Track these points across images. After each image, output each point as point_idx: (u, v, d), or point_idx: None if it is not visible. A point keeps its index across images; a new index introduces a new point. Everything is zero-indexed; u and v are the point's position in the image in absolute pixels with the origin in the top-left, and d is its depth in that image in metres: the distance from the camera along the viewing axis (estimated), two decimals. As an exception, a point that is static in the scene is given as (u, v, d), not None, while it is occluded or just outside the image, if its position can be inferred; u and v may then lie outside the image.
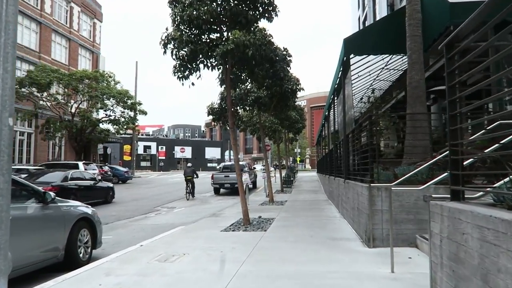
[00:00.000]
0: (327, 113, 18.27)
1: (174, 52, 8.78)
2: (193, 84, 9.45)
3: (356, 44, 8.95)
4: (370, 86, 13.93)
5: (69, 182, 14.98)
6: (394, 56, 13.82)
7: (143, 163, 75.65)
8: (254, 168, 27.13)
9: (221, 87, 14.61)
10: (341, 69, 10.01)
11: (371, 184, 6.13)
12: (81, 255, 5.74)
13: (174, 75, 9.36)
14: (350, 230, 7.89)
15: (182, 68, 9.18)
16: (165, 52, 8.84)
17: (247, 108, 15.15)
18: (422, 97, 7.47)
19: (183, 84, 9.43)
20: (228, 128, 15.84)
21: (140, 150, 75.14)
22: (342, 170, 11.01)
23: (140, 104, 29.18)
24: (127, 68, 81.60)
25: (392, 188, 5.00)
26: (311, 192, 20.46)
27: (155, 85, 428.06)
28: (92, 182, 16.89)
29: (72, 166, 25.07)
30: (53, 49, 36.16)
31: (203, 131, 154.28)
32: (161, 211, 14.45)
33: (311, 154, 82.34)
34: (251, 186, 23.78)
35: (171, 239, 7.37)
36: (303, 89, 15.09)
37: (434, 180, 4.48)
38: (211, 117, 15.39)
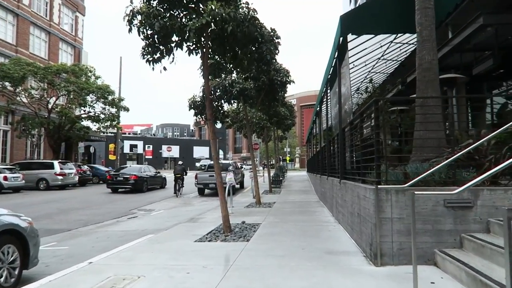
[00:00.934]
0: (318, 108, 17.06)
1: (141, 30, 7.44)
2: (165, 68, 8.11)
3: (355, 22, 7.69)
4: (366, 77, 12.79)
5: (141, 173, 22.44)
6: (392, 44, 12.65)
7: (129, 163, 73.77)
8: (241, 167, 25.80)
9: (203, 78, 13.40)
10: (336, 54, 8.76)
11: (378, 186, 4.87)
12: (1, 279, 4.38)
13: (143, 58, 8.02)
14: (349, 240, 6.63)
15: (151, 50, 7.85)
16: (130, 30, 7.49)
17: (232, 102, 13.85)
18: (434, 81, 6.25)
19: (153, 68, 8.10)
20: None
21: (126, 149, 73.27)
22: (337, 169, 9.78)
23: (122, 100, 27.60)
24: (115, 64, 79.55)
25: (415, 192, 3.73)
26: (301, 192, 19.23)
27: (147, 82, 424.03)
28: (154, 173, 24.34)
29: (48, 165, 23.55)
30: (32, 42, 34.40)
31: (192, 130, 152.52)
32: (137, 215, 13.07)
33: (301, 153, 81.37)
34: (237, 186, 22.52)
35: (131, 253, 6.03)
36: (293, 82, 13.88)
37: (476, 180, 3.23)
38: (199, 114, 14.06)
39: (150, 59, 7.95)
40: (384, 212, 4.85)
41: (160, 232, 8.46)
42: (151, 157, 75.93)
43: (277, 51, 8.04)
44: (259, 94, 13.86)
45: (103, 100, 26.82)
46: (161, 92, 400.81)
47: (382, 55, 13.54)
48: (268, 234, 7.53)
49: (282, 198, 16.33)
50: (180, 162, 22.27)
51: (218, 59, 8.64)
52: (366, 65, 13.80)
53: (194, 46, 8.39)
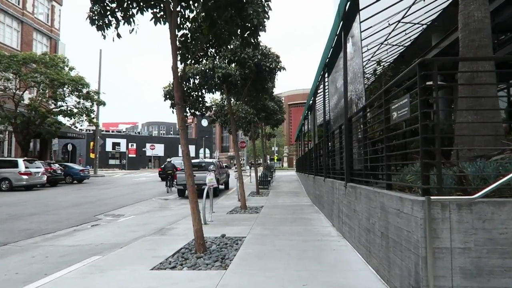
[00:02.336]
0: (312, 100, 15.28)
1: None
2: (119, 36, 6.20)
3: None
4: (370, 60, 11.09)
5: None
6: (401, 24, 10.93)
7: (112, 161, 71.15)
8: (226, 166, 23.93)
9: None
10: (342, 22, 6.95)
11: (432, 198, 3.06)
12: None
13: (92, 24, 6.11)
14: (365, 267, 4.82)
15: (102, 12, 5.94)
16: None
17: (214, 91, 11.96)
18: (487, 47, 4.47)
19: (104, 37, 6.19)
20: (189, 113, 12.66)
21: (109, 147, 70.72)
22: (339, 168, 7.98)
23: (98, 93, 25.35)
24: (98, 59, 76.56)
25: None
26: (292, 194, 17.43)
27: (134, 80, 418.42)
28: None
29: (11, 163, 21.31)
30: (2, 31, 31.92)
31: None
32: (101, 221, 11.10)
33: (289, 153, 79.74)
34: (222, 186, 20.68)
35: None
36: (283, 69, 12.08)
37: None
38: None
39: (101, 24, 6.05)
40: (439, 238, 3.04)
41: (115, 249, 6.56)
42: (134, 155, 73.34)
43: (266, 16, 6.21)
44: (245, 82, 12.03)
45: (77, 93, 24.56)
46: (148, 90, 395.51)
47: (388, 37, 11.83)
48: (254, 255, 5.68)
49: (271, 201, 14.51)
50: (169, 159, 22.86)
51: (192, 26, 6.73)
52: (368, 49, 12.08)
53: (160, 11, 6.55)
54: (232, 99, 15.12)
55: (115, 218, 11.77)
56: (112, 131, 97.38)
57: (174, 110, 12.28)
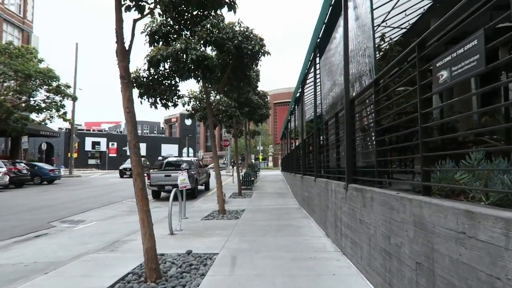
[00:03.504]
0: (299, 91, 13.77)
1: None
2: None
3: None
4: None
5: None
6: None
7: (91, 161, 68.57)
8: (206, 165, 22.27)
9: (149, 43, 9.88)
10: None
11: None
12: None
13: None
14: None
15: None
16: None
17: (187, 76, 10.34)
18: None
19: None
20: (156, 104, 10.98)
21: (88, 147, 68.22)
22: (342, 166, 6.46)
23: (69, 87, 23.32)
24: (80, 55, 73.84)
25: None
26: (277, 195, 15.91)
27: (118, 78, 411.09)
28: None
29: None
30: (-34, 21, 29.73)
31: (163, 128, 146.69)
32: (53, 230, 9.39)
33: (274, 152, 78.34)
34: (202, 187, 19.10)
35: None
36: (268, 53, 10.55)
37: None
38: (145, 94, 10.42)
39: None
40: None
41: (42, 273, 4.91)
42: (115, 155, 70.85)
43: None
44: (223, 68, 10.47)
45: (46, 87, 22.54)
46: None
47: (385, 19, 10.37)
48: (224, 286, 4.10)
49: (253, 203, 12.96)
50: (160, 158, 22.02)
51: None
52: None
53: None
54: (212, 91, 13.52)
55: (71, 226, 10.06)
56: (93, 130, 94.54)
57: (143, 101, 10.71)
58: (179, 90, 10.71)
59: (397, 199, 3.11)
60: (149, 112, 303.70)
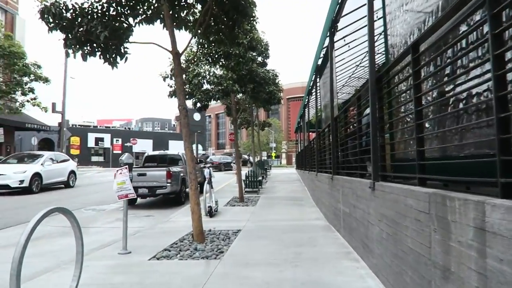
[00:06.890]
0: (321, 58, 9.51)
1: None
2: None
3: None
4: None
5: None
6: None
7: (94, 158, 64.93)
8: (201, 162, 18.10)
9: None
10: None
11: None
12: None
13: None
14: None
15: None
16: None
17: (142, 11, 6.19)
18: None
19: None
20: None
21: (91, 143, 64.79)
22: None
23: (39, 67, 19.30)
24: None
25: None
26: (291, 202, 11.67)
27: (130, 75, 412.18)
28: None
29: None
30: None
31: (174, 125, 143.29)
32: None
33: (287, 149, 73.90)
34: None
35: None
36: None
37: None
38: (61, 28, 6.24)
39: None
40: None
41: None
42: (120, 151, 67.03)
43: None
44: (203, 19, 6.32)
45: (10, 67, 18.54)
46: (143, 86, 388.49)
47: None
48: None
49: (257, 216, 8.78)
50: (146, 154, 18.57)
51: None
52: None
53: None
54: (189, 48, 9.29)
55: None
56: (100, 127, 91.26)
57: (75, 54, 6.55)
58: (131, 35, 6.50)
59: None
60: (161, 109, 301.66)
